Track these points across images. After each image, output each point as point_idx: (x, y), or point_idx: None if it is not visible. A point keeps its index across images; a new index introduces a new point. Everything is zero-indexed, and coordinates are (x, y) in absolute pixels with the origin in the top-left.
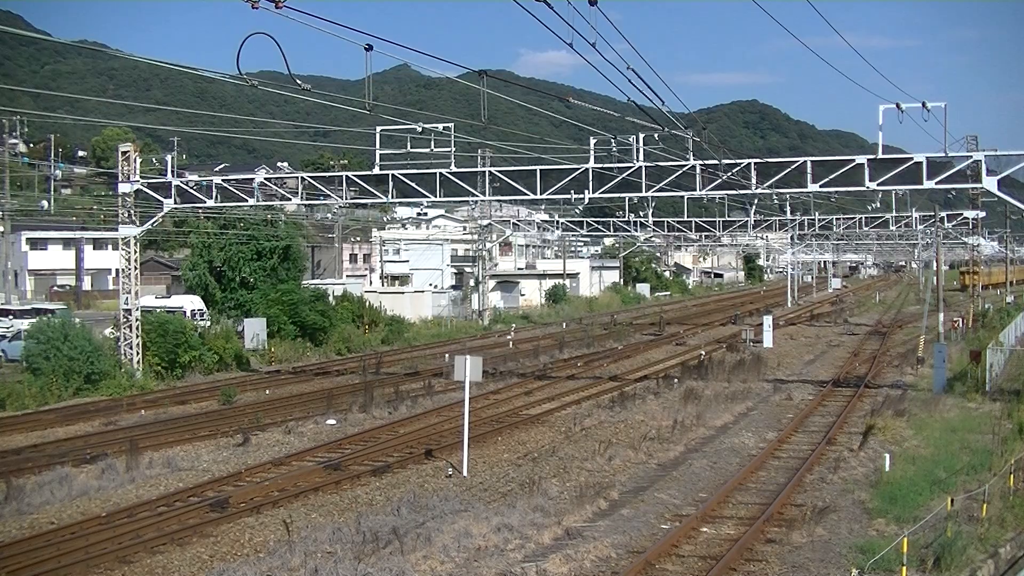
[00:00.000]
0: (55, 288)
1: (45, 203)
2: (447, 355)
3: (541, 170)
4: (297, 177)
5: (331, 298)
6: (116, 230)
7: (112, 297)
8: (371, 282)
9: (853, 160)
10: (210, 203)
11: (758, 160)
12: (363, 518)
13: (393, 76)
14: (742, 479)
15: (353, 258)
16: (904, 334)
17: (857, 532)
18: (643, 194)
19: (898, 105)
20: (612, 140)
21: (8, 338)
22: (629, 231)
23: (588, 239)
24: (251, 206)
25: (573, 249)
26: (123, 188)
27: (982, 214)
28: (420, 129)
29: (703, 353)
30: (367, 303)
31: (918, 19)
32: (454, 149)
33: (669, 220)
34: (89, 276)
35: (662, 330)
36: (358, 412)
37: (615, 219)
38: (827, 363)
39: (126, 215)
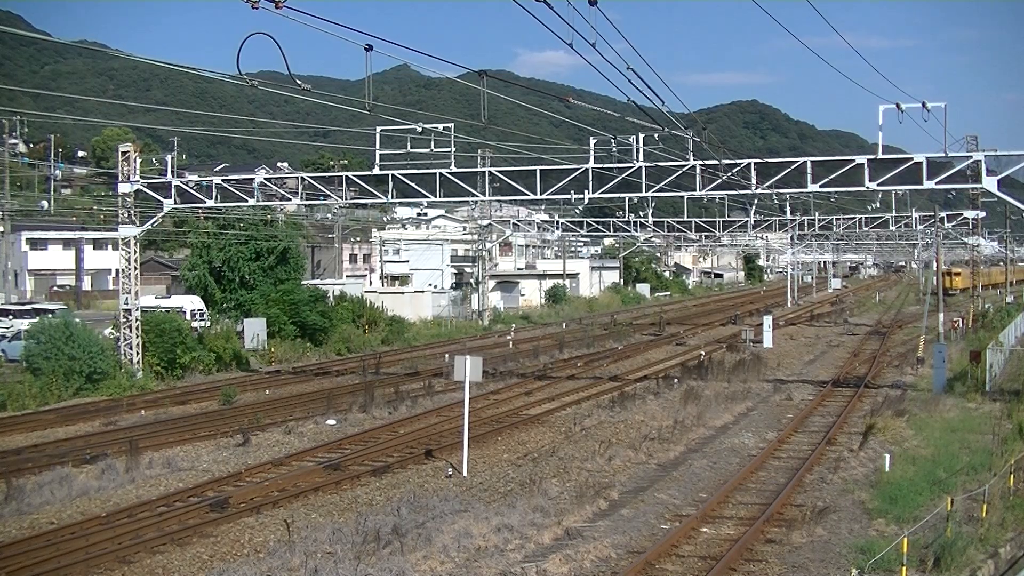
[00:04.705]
0: (55, 288)
1: (45, 203)
2: (447, 355)
3: (541, 170)
4: (297, 177)
5: (331, 299)
6: (116, 230)
7: (112, 297)
8: (371, 282)
9: (853, 160)
10: (210, 203)
11: (758, 160)
12: (363, 518)
13: (393, 76)
14: (742, 479)
15: (353, 258)
16: (904, 334)
17: (857, 532)
18: (643, 194)
19: (898, 105)
20: (612, 140)
21: (8, 338)
22: (629, 231)
23: (588, 239)
24: (251, 206)
25: (573, 249)
26: (123, 188)
27: (982, 214)
28: (420, 129)
29: (703, 353)
30: (367, 303)
31: (917, 19)
32: (454, 149)
33: (669, 220)
34: (89, 276)
35: (662, 330)
36: (358, 412)
37: (615, 219)
38: (827, 363)
39: (126, 215)
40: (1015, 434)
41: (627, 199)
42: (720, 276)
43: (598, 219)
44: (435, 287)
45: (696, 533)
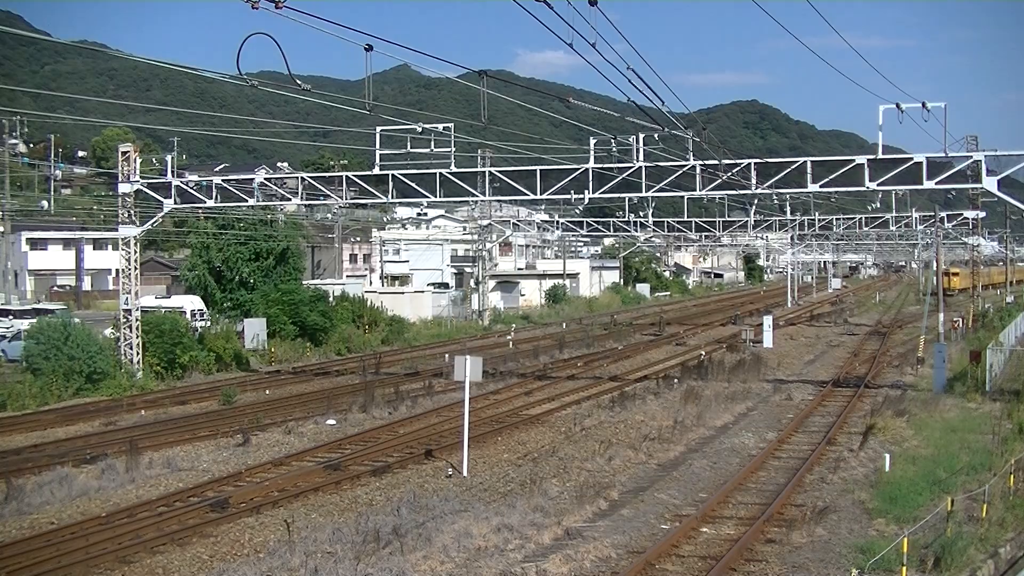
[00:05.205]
0: (55, 288)
1: (45, 203)
2: (447, 355)
3: (541, 170)
4: (297, 177)
5: (331, 299)
6: (116, 230)
7: (112, 297)
8: (371, 282)
9: (853, 160)
10: (210, 203)
11: (758, 160)
12: (363, 518)
13: (393, 76)
14: (742, 479)
15: (353, 258)
16: (904, 334)
17: (857, 532)
18: (643, 194)
19: (898, 105)
20: (612, 140)
21: (8, 338)
22: (629, 231)
23: (588, 239)
24: (251, 206)
25: (573, 249)
26: (123, 188)
27: (982, 214)
28: (420, 129)
29: (703, 353)
30: (367, 303)
31: (917, 19)
32: (454, 149)
33: (669, 220)
34: (89, 276)
35: (662, 330)
36: (358, 412)
37: (615, 219)
38: (827, 363)
39: (126, 215)
40: (1015, 434)
41: (627, 199)
42: (720, 276)
43: (598, 219)
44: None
45: (696, 533)
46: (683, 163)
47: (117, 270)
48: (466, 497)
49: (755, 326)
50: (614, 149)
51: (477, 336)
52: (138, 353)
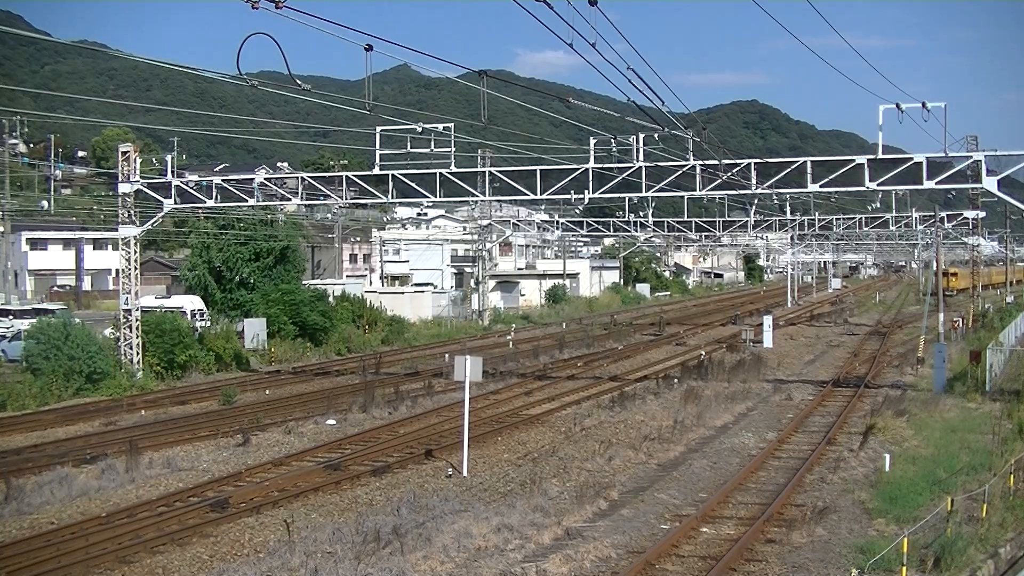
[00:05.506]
0: (55, 288)
1: (45, 203)
2: (447, 355)
3: (541, 170)
4: (297, 177)
5: (331, 299)
6: (116, 230)
7: (112, 297)
8: (371, 282)
9: (853, 160)
10: (210, 203)
11: (758, 160)
12: (363, 518)
13: (393, 76)
14: (742, 479)
15: (353, 258)
16: (904, 334)
17: (857, 532)
18: (643, 194)
19: (898, 105)
20: (612, 140)
21: (8, 338)
22: (629, 231)
23: (588, 239)
24: (251, 206)
25: (573, 249)
26: (123, 188)
27: (982, 214)
28: (420, 129)
29: (703, 353)
30: (367, 303)
31: (917, 19)
32: (454, 149)
33: (669, 220)
34: (89, 276)
35: (662, 330)
36: (358, 412)
37: (615, 219)
38: (827, 363)
39: (126, 215)
40: (1015, 434)
41: (627, 199)
42: (720, 276)
43: (598, 219)
44: (435, 287)
45: (696, 533)
46: (683, 163)
47: (117, 270)
48: (466, 497)
49: (755, 326)
50: (614, 149)
51: (477, 336)
52: (138, 353)
